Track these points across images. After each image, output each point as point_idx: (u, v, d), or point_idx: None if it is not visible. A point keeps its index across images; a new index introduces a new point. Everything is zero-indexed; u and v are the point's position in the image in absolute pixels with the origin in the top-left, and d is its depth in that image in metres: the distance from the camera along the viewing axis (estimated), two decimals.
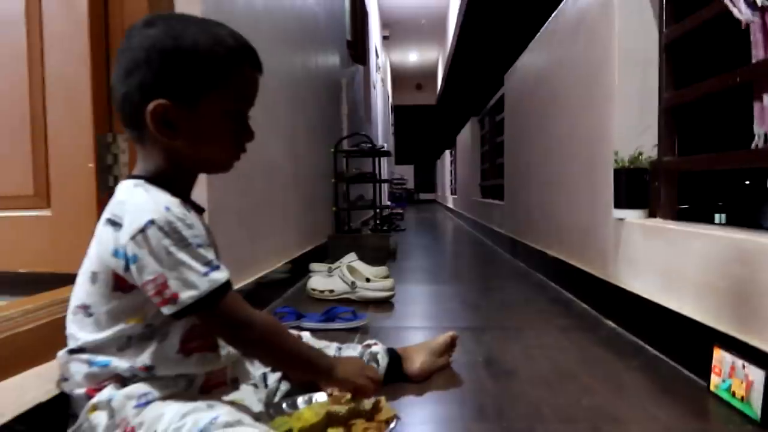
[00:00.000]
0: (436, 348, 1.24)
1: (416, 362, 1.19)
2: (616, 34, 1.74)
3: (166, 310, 0.74)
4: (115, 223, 0.76)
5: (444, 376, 1.23)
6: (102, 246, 0.77)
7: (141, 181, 0.80)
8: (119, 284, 0.77)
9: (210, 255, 0.77)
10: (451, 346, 1.28)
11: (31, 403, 0.78)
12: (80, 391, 0.77)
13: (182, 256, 0.74)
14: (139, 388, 0.75)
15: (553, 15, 2.56)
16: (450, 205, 9.80)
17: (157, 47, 0.77)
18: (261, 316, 0.83)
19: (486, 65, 5.69)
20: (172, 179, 0.82)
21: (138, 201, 0.77)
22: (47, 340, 0.81)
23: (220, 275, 0.77)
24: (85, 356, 0.77)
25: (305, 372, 0.91)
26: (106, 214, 0.79)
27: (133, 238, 0.74)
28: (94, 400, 0.75)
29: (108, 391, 0.75)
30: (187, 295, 0.74)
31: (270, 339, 0.83)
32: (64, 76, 1.38)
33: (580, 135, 2.16)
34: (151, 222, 0.73)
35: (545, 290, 2.32)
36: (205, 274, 0.75)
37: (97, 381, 0.77)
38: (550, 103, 2.64)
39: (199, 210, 0.87)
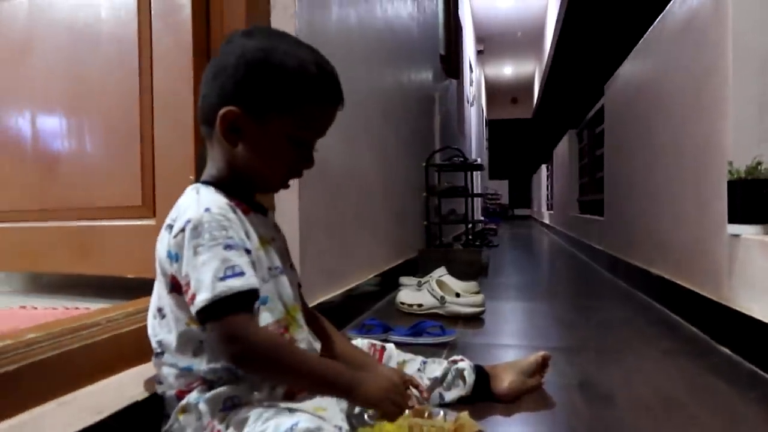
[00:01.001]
0: (527, 368, 1.18)
1: (505, 381, 1.14)
2: (731, 33, 1.61)
3: (192, 312, 0.74)
4: (170, 226, 0.79)
5: (534, 398, 1.17)
6: (161, 248, 0.80)
7: (198, 185, 0.84)
8: (174, 285, 0.78)
9: (238, 259, 0.74)
10: (542, 366, 1.21)
11: (128, 401, 0.82)
12: (171, 392, 0.80)
13: (206, 256, 0.73)
14: (224, 391, 0.77)
15: (657, 19, 2.42)
16: (546, 220, 9.49)
17: (246, 57, 0.80)
18: (264, 333, 0.78)
19: (584, 76, 5.48)
20: (232, 181, 0.85)
21: (187, 203, 0.80)
22: (146, 341, 0.85)
23: (238, 282, 0.72)
24: (170, 360, 0.80)
25: (323, 391, 0.81)
26: (167, 219, 0.82)
27: (175, 237, 0.76)
28: (183, 402, 0.78)
29: (195, 394, 0.77)
30: (200, 298, 0.72)
31: (275, 356, 0.75)
32: (170, 93, 1.47)
33: (686, 144, 2.01)
34: (189, 221, 0.75)
35: (648, 311, 2.16)
36: (222, 279, 0.72)
37: (186, 383, 0.79)
38: (654, 112, 2.48)
39: (261, 210, 0.89)
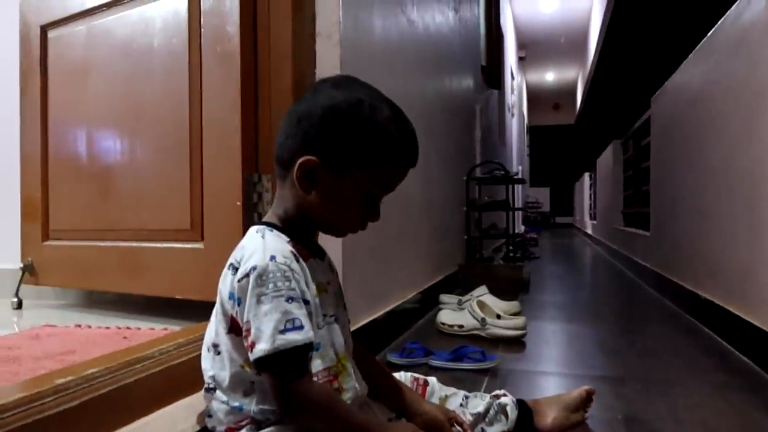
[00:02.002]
0: (571, 403, 1.17)
1: (548, 417, 1.13)
2: None
3: (251, 359, 0.76)
4: (234, 267, 0.81)
5: None
6: (223, 288, 0.82)
7: (263, 227, 0.85)
8: (233, 327, 0.80)
9: (298, 312, 0.76)
10: (587, 401, 1.19)
11: None
12: (221, 428, 0.83)
13: (269, 306, 0.75)
14: (272, 431, 0.79)
15: (710, 33, 2.35)
16: (588, 230, 9.30)
17: (333, 109, 0.82)
18: (318, 390, 0.79)
19: (629, 84, 5.37)
20: (298, 224, 0.87)
21: (253, 247, 0.81)
22: (197, 372, 0.88)
23: (298, 336, 0.75)
24: (222, 396, 0.82)
25: None
26: (230, 258, 0.84)
27: (239, 281, 0.78)
28: None
29: None
30: (260, 347, 0.74)
31: (327, 414, 0.78)
32: (219, 121, 1.51)
33: (739, 164, 1.95)
34: (254, 268, 0.77)
35: (696, 336, 2.10)
36: (283, 332, 0.74)
37: (236, 421, 0.81)
38: (704, 130, 2.41)
39: (320, 255, 0.90)
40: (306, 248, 0.87)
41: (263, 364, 0.75)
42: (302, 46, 1.49)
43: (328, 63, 1.52)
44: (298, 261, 0.82)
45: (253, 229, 0.86)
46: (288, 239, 0.84)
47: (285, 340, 0.74)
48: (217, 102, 1.52)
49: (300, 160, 0.82)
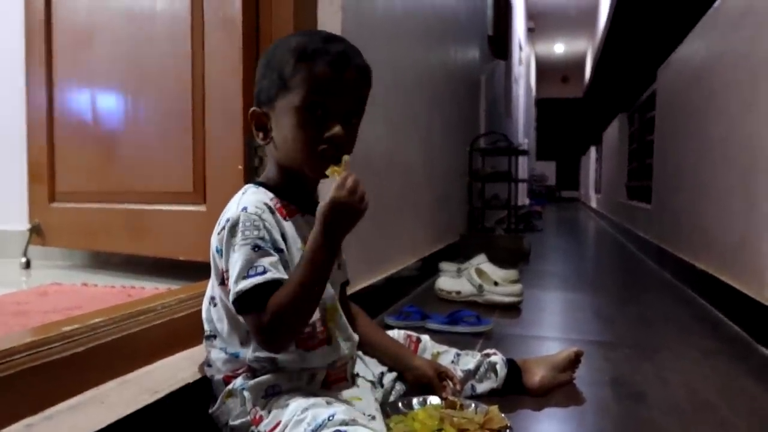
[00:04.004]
0: (559, 363, 1.21)
1: (536, 376, 1.17)
2: None
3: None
4: (220, 223, 0.86)
5: (565, 393, 1.19)
6: (213, 242, 0.87)
7: (249, 185, 0.90)
8: (223, 278, 0.84)
9: (262, 259, 0.78)
10: (575, 362, 1.23)
11: (181, 382, 0.89)
12: (219, 376, 0.87)
13: (237, 254, 0.79)
14: (267, 380, 0.83)
15: (714, 5, 2.33)
16: (593, 204, 9.30)
17: (262, 60, 0.89)
18: (270, 304, 0.78)
19: (638, 58, 5.29)
20: (284, 180, 0.90)
21: (233, 201, 0.87)
22: (197, 326, 0.92)
23: (259, 279, 0.77)
24: (220, 344, 0.87)
25: (324, 268, 0.81)
26: (220, 217, 0.88)
27: (218, 234, 0.84)
28: (229, 387, 0.85)
29: (241, 381, 0.84)
30: (232, 293, 0.79)
31: (283, 312, 0.77)
32: (221, 84, 1.53)
33: (738, 137, 1.95)
34: (228, 220, 0.82)
35: (690, 306, 2.14)
36: (245, 277, 0.78)
37: (233, 369, 0.86)
38: (707, 102, 2.41)
39: (313, 210, 0.90)
40: (295, 203, 0.89)
41: (237, 308, 0.80)
42: (304, 10, 1.49)
43: (330, 28, 1.52)
44: (273, 214, 0.85)
45: (241, 189, 0.90)
46: (272, 196, 0.87)
47: (246, 283, 0.77)
48: (219, 66, 1.53)
49: (248, 118, 0.88)
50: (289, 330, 0.81)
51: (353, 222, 0.82)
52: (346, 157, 0.84)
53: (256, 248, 0.80)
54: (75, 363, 0.81)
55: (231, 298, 0.79)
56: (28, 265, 2.07)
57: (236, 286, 0.78)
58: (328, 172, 0.83)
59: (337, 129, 0.84)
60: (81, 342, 0.83)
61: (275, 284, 0.78)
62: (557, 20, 11.58)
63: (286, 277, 0.80)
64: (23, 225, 2.07)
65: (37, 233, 2.04)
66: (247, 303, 0.78)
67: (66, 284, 1.67)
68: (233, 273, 0.79)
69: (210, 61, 1.56)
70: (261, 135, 0.89)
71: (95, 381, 0.84)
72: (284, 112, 0.85)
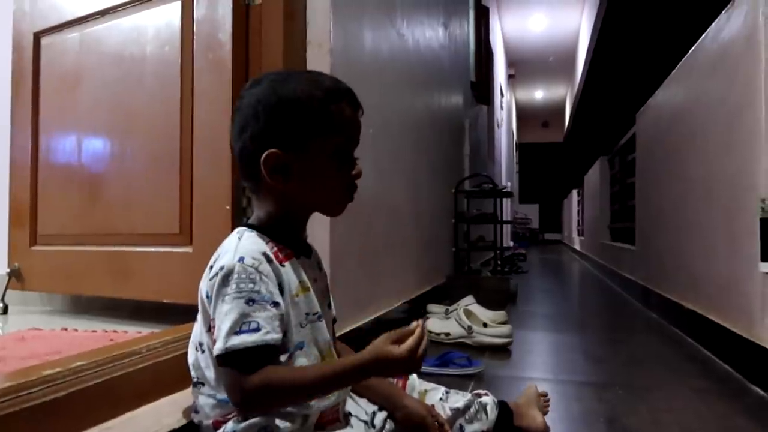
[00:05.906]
0: (538, 399, 1.19)
1: (537, 417, 1.14)
2: (764, 69, 1.61)
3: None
4: (211, 267, 0.83)
5: None
6: (202, 287, 0.84)
7: (244, 229, 0.87)
8: (211, 326, 0.81)
9: (258, 314, 0.76)
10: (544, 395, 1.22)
11: (166, 428, 0.86)
12: (208, 422, 0.83)
13: (228, 307, 0.76)
14: (258, 422, 0.79)
15: (690, 51, 2.42)
16: (576, 246, 9.37)
17: (262, 103, 0.84)
18: (256, 380, 0.75)
19: (616, 102, 5.46)
20: (282, 223, 0.88)
21: (227, 248, 0.83)
22: (183, 369, 0.89)
23: (249, 338, 0.75)
24: (208, 391, 0.84)
25: (340, 386, 0.83)
26: (211, 259, 0.85)
27: (210, 280, 0.80)
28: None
29: (231, 425, 0.80)
30: (217, 346, 0.76)
31: (270, 393, 0.76)
32: (210, 126, 1.53)
33: (718, 179, 1.99)
34: (222, 268, 0.79)
35: (680, 346, 2.13)
36: (237, 333, 0.75)
37: (223, 414, 0.82)
38: (686, 145, 2.47)
39: (306, 253, 0.90)
40: (290, 247, 0.88)
41: (221, 361, 0.76)
42: (293, 53, 1.52)
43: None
44: (271, 263, 0.82)
45: (234, 231, 0.88)
46: (267, 240, 0.85)
47: (237, 340, 0.75)
48: (209, 107, 1.54)
49: (262, 159, 0.83)
50: (272, 405, 0.79)
51: (397, 374, 0.84)
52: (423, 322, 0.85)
53: (250, 302, 0.77)
54: (55, 408, 0.78)
55: (216, 350, 0.76)
56: (5, 310, 2.01)
57: (226, 341, 0.75)
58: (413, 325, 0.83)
59: (359, 167, 0.89)
60: (62, 387, 0.80)
61: (268, 349, 0.77)
62: (536, 67, 11.93)
63: (280, 336, 0.78)
64: (1, 269, 2.02)
65: (16, 277, 1.99)
66: (234, 360, 0.76)
67: (45, 329, 1.62)
68: (223, 326, 0.76)
69: (199, 102, 1.56)
70: (280, 178, 0.85)
71: (76, 428, 0.80)
72: (315, 154, 0.85)
